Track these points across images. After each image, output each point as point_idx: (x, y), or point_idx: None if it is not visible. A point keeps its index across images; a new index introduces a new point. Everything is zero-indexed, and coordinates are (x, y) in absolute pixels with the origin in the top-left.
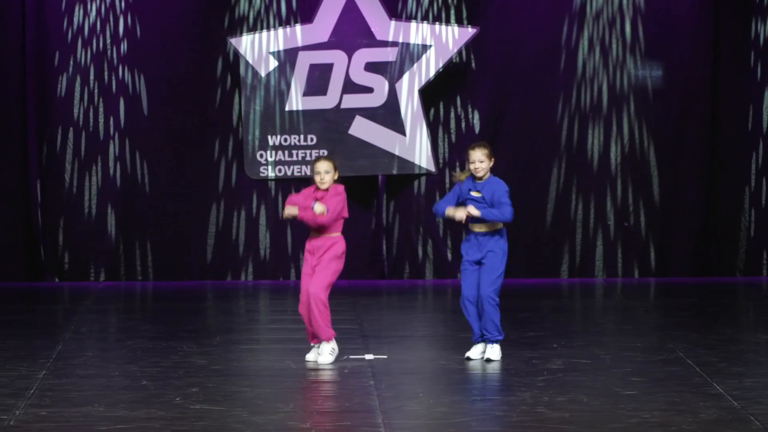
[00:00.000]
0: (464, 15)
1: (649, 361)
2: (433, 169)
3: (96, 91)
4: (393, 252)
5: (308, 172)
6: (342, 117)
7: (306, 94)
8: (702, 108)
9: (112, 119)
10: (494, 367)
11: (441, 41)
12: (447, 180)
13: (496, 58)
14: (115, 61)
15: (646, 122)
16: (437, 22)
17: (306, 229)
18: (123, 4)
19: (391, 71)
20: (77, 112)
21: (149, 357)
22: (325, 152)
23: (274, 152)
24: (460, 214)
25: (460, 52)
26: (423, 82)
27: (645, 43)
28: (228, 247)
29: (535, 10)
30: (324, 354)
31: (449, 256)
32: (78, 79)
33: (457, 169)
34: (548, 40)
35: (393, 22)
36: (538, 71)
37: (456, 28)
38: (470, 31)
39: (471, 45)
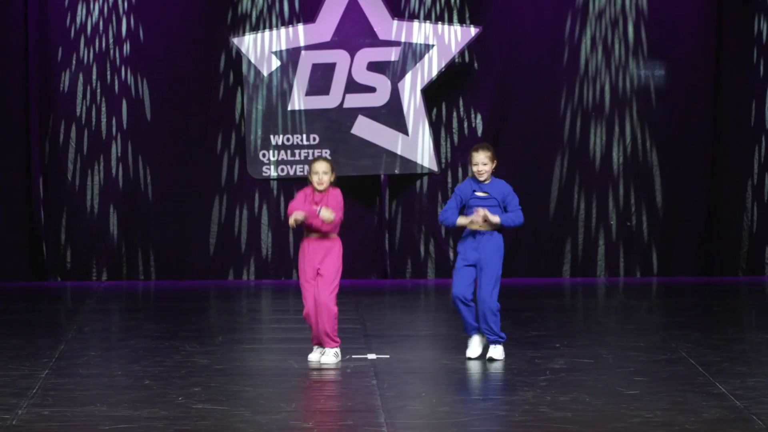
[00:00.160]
0: (467, 15)
1: (651, 361)
2: (435, 168)
3: (99, 90)
4: (395, 251)
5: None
6: (344, 116)
7: (308, 93)
8: (704, 107)
9: (114, 120)
10: (497, 367)
11: (443, 41)
12: (449, 180)
13: (498, 58)
14: (118, 61)
15: (649, 121)
16: (440, 22)
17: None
18: (125, 5)
19: (393, 71)
20: (80, 109)
21: (152, 356)
22: (327, 152)
23: (276, 152)
24: (476, 218)
25: (462, 52)
26: (425, 81)
27: (647, 42)
28: (230, 247)
29: (538, 9)
30: (328, 355)
31: (451, 255)
32: (80, 77)
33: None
34: (550, 39)
35: (395, 22)
36: (540, 71)
37: (458, 27)
38: (473, 30)
39: (473, 44)
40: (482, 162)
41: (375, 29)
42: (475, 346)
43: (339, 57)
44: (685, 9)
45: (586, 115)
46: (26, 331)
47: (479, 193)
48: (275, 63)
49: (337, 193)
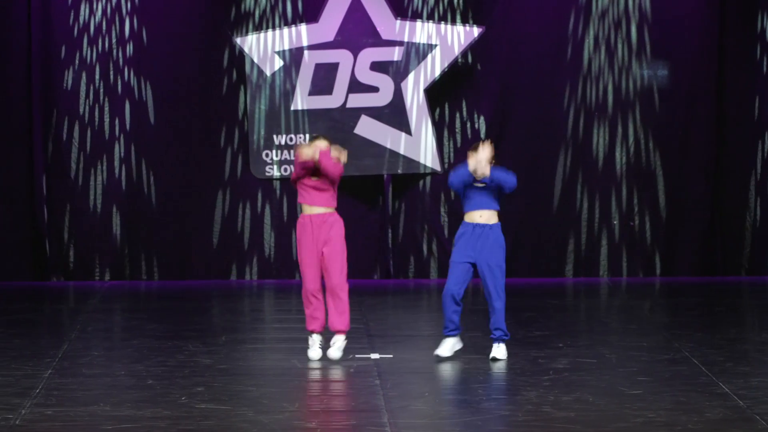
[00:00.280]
0: (469, 15)
1: (654, 361)
2: (438, 168)
3: (101, 90)
4: (398, 251)
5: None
6: (347, 116)
7: (311, 93)
8: (707, 107)
9: (117, 120)
10: (500, 367)
11: (446, 40)
12: None
13: (501, 58)
14: (121, 62)
15: (651, 121)
16: (443, 22)
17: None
18: (128, 5)
19: (396, 71)
20: (83, 108)
21: (155, 356)
22: None
23: (279, 152)
24: (483, 164)
25: (465, 52)
26: (428, 81)
27: (650, 42)
28: (233, 247)
29: (540, 9)
30: (336, 347)
31: None
32: (84, 76)
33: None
34: (553, 39)
35: (398, 22)
36: (542, 71)
37: (461, 27)
38: (476, 30)
39: (476, 44)
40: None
41: (378, 29)
42: (448, 346)
43: (342, 57)
44: (688, 8)
45: (589, 115)
46: (29, 330)
47: (478, 184)
48: (278, 63)
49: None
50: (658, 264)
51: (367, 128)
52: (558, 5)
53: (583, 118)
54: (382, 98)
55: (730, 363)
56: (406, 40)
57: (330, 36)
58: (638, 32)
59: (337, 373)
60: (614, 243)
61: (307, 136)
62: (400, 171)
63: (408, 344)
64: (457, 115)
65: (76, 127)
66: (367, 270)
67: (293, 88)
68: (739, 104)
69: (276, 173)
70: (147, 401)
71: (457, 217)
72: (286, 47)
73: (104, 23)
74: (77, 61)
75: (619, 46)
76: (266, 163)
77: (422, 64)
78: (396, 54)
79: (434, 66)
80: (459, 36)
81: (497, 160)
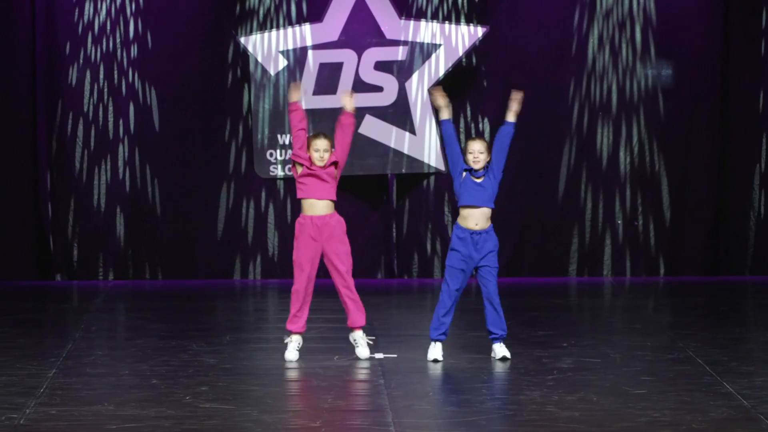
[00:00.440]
0: (474, 14)
1: (658, 360)
2: (442, 168)
3: (105, 90)
4: (402, 250)
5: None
6: None
7: (316, 93)
8: (711, 106)
9: (121, 120)
10: (503, 366)
11: (450, 40)
12: None
13: (505, 58)
14: (125, 62)
15: (655, 121)
16: (447, 21)
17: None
18: (132, 6)
19: (400, 70)
20: (87, 105)
21: (159, 356)
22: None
23: (283, 151)
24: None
25: (469, 52)
26: (433, 81)
27: (654, 42)
28: (236, 246)
29: (545, 9)
30: (363, 345)
31: None
32: (88, 75)
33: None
34: (557, 39)
35: (403, 21)
36: (546, 71)
37: (465, 27)
38: (480, 30)
39: (481, 44)
40: (479, 150)
41: (382, 29)
42: (438, 350)
43: (346, 56)
44: (692, 7)
45: (593, 115)
46: (33, 330)
47: (476, 179)
48: (282, 62)
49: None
50: (662, 263)
51: (372, 128)
52: (562, 5)
53: (588, 118)
54: (386, 98)
55: (735, 362)
56: (410, 39)
57: (334, 36)
58: (642, 32)
59: (341, 373)
60: (618, 242)
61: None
62: (404, 171)
63: (412, 344)
64: (461, 115)
65: (80, 126)
66: (371, 269)
67: None
68: (743, 104)
69: (280, 173)
70: (151, 401)
71: None
72: (290, 47)
73: (108, 24)
74: (81, 59)
75: (623, 45)
76: (270, 163)
77: (426, 63)
78: (400, 54)
79: (438, 66)
80: (463, 36)
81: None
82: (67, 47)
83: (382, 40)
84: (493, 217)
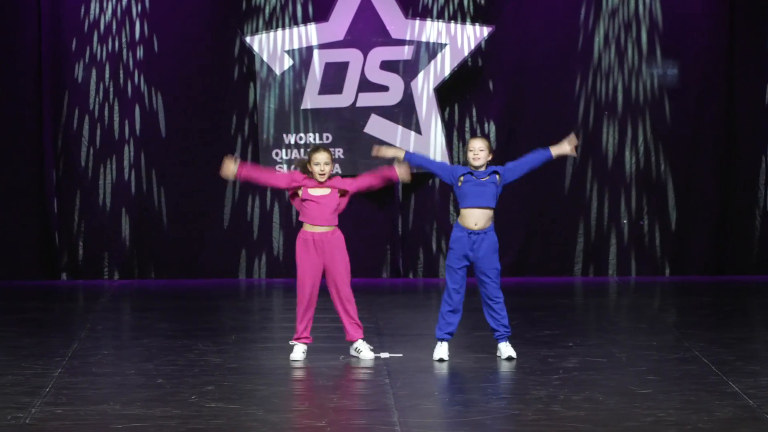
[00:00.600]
0: (479, 14)
1: (664, 360)
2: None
3: (111, 90)
4: (408, 249)
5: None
6: (357, 115)
7: (321, 92)
8: (717, 106)
9: (127, 121)
10: (509, 366)
11: (456, 40)
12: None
13: (510, 57)
14: (131, 66)
15: (661, 120)
16: (453, 21)
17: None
18: (138, 8)
19: (406, 70)
20: (93, 103)
21: (164, 355)
22: (339, 150)
23: (289, 151)
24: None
25: (475, 51)
26: (438, 80)
27: (660, 41)
28: (241, 245)
29: (550, 8)
30: (365, 349)
31: None
32: (93, 74)
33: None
34: (563, 38)
35: (408, 21)
36: (553, 70)
37: (471, 26)
38: (485, 30)
39: (486, 43)
40: (479, 148)
41: (388, 28)
42: (444, 349)
43: (352, 56)
44: (698, 7)
45: (599, 115)
46: (39, 329)
47: (477, 179)
48: (288, 62)
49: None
50: (667, 263)
51: (377, 127)
52: (568, 4)
53: (593, 117)
54: (392, 97)
55: (740, 362)
56: (416, 39)
57: (340, 35)
58: (648, 32)
59: (346, 372)
60: (623, 242)
61: (317, 135)
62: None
63: (418, 343)
64: (467, 114)
65: (86, 123)
66: (377, 268)
67: (303, 87)
68: (749, 103)
69: (285, 172)
70: (157, 400)
71: None
72: (296, 46)
73: (114, 23)
74: (87, 57)
75: (629, 45)
76: (276, 162)
77: (432, 63)
78: (406, 53)
79: (444, 65)
80: (469, 35)
81: (506, 160)
82: (74, 44)
83: (388, 40)
84: (498, 217)
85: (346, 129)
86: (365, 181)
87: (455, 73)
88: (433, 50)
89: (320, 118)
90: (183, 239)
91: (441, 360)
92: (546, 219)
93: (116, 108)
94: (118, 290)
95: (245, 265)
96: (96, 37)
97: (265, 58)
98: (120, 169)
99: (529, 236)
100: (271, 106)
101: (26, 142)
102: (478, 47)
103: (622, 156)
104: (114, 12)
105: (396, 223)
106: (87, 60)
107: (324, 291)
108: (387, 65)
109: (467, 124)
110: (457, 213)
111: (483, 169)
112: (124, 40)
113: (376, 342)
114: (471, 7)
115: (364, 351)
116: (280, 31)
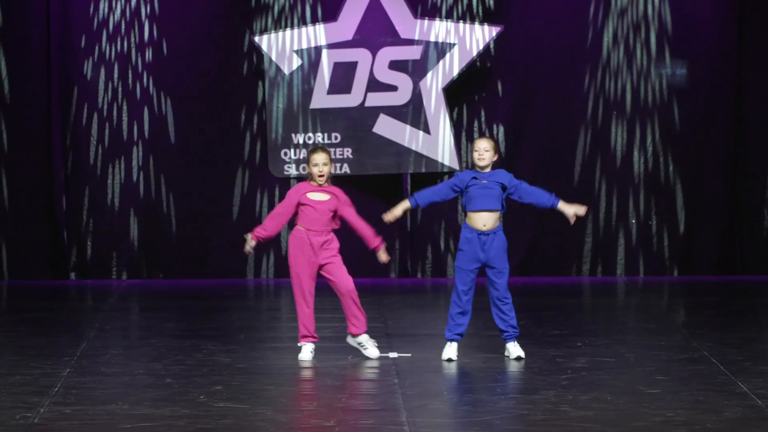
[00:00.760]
0: (488, 14)
1: (673, 360)
2: (456, 167)
3: (120, 89)
4: (416, 250)
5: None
6: (366, 115)
7: (330, 92)
8: (726, 106)
9: (135, 122)
10: (518, 366)
11: (465, 39)
12: None
13: (519, 57)
14: (140, 67)
15: (670, 121)
16: (461, 21)
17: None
18: (147, 9)
19: (415, 69)
20: (101, 101)
21: (173, 355)
22: (348, 150)
23: (297, 150)
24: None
25: (483, 51)
26: (447, 80)
27: (669, 42)
28: None
29: (559, 8)
30: (371, 347)
31: None
32: (102, 73)
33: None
34: (572, 37)
35: (417, 21)
36: (561, 70)
37: (480, 26)
38: (494, 29)
39: (495, 43)
40: (484, 149)
41: (397, 28)
42: (453, 350)
43: (360, 56)
44: (706, 8)
45: (608, 115)
46: (48, 329)
47: (482, 181)
48: (297, 62)
49: (346, 198)
50: (676, 263)
51: (386, 127)
52: (576, 4)
53: (602, 118)
54: (400, 97)
55: (749, 362)
56: (424, 39)
57: (349, 35)
58: (657, 32)
59: (355, 373)
60: (632, 242)
61: (325, 135)
62: (418, 169)
63: (426, 343)
64: (476, 114)
65: (95, 121)
66: (385, 268)
67: (312, 87)
68: (757, 104)
69: (294, 172)
70: (165, 400)
71: None
72: (305, 46)
73: (123, 23)
74: (96, 55)
75: (638, 45)
76: (285, 162)
77: (441, 63)
78: (414, 53)
79: (453, 65)
80: (477, 35)
81: (515, 161)
82: (83, 41)
83: (397, 40)
84: (507, 217)
85: (355, 129)
86: (356, 223)
87: (464, 73)
88: (441, 50)
89: (329, 118)
90: (191, 239)
91: (449, 360)
92: (554, 219)
93: (125, 108)
94: (127, 290)
95: (253, 265)
96: (105, 35)
97: (273, 58)
98: (128, 168)
99: (537, 236)
100: (279, 105)
101: (35, 139)
102: (487, 47)
103: (631, 156)
104: (123, 12)
105: (404, 223)
106: (96, 58)
107: (324, 291)
108: (396, 65)
109: (475, 125)
110: (465, 213)
111: (488, 169)
112: (132, 40)
113: (384, 342)
114: (479, 7)
115: (369, 347)
116: (288, 31)
